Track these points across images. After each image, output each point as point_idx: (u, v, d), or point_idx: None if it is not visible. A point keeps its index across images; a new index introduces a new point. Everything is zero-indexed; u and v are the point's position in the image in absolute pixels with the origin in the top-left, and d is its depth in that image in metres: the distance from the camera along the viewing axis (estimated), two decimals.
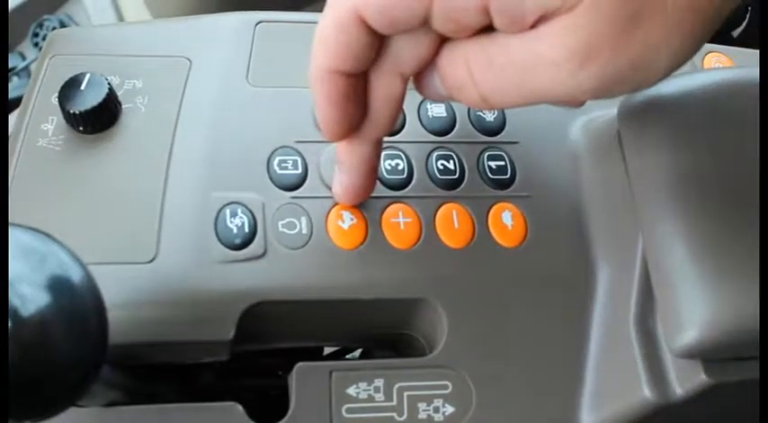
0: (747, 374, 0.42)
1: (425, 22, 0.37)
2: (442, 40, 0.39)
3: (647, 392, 0.42)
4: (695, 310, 0.39)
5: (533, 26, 0.35)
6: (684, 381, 0.42)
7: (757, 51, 0.57)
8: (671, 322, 0.41)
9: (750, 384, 0.42)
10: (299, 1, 0.84)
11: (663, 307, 0.42)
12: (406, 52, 0.39)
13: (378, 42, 0.39)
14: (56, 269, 0.32)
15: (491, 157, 0.48)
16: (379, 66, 0.40)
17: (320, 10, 0.40)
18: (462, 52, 0.38)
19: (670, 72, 0.36)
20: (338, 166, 0.45)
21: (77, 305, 0.32)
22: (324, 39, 0.39)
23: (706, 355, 0.41)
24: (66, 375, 0.32)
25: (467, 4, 0.35)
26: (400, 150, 0.47)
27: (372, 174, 0.45)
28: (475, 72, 0.38)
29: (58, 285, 0.32)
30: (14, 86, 0.80)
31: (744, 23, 0.70)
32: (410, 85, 0.41)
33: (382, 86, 0.40)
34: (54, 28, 0.83)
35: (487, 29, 0.37)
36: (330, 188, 0.46)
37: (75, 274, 0.33)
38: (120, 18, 0.84)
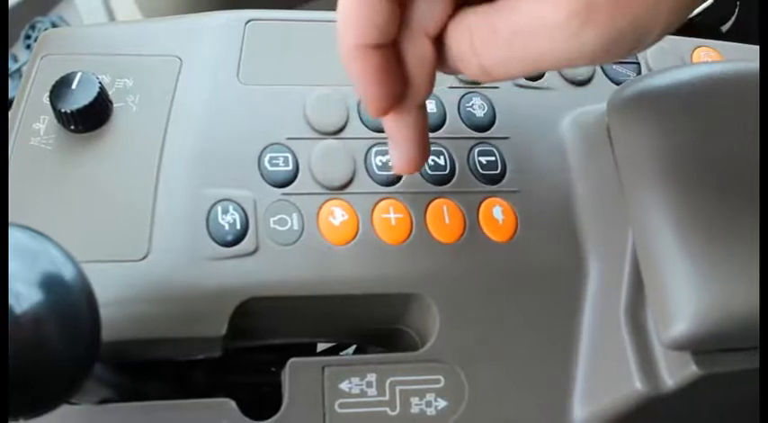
0: (737, 365, 0.42)
1: None
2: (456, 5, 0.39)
3: (638, 384, 0.42)
4: (685, 302, 0.40)
5: None
6: (675, 372, 0.42)
7: (745, 46, 0.58)
8: (661, 314, 0.41)
9: (740, 375, 0.42)
10: (292, 1, 0.84)
11: (653, 299, 0.42)
12: (428, 12, 0.39)
13: (398, 9, 0.39)
14: (49, 267, 0.32)
15: (481, 153, 0.48)
16: (405, 32, 0.40)
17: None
18: (466, 23, 0.38)
19: (667, 32, 0.36)
20: (390, 141, 0.45)
21: (70, 303, 0.32)
22: (346, 16, 0.39)
23: (696, 346, 0.41)
24: (58, 373, 0.32)
25: None
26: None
27: (424, 139, 0.45)
28: (477, 42, 0.38)
29: (51, 283, 0.32)
30: None
31: (732, 18, 0.71)
32: None
33: (413, 51, 0.40)
34: (46, 29, 0.83)
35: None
36: (321, 185, 0.46)
37: (68, 272, 0.33)
38: (112, 18, 0.84)
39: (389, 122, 0.44)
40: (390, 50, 0.40)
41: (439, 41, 0.40)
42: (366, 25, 0.39)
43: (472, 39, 0.38)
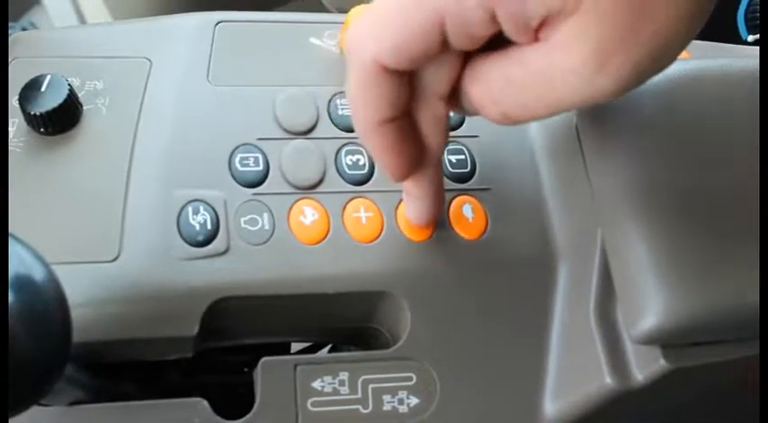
0: (706, 359, 0.42)
1: (443, 46, 0.37)
2: (465, 56, 0.39)
3: (608, 379, 0.43)
4: (653, 297, 0.40)
5: (540, 32, 0.35)
6: (644, 367, 0.42)
7: (713, 43, 0.58)
8: (630, 310, 0.41)
9: (709, 368, 0.43)
10: (266, 3, 0.84)
11: (622, 295, 0.42)
12: (438, 76, 0.39)
13: (407, 80, 0.39)
14: (18, 268, 0.32)
15: (451, 152, 0.48)
16: (418, 98, 0.40)
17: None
18: (482, 74, 0.38)
19: (683, 49, 0.36)
20: (407, 197, 0.46)
21: (40, 304, 0.32)
22: (357, 98, 0.39)
23: (665, 341, 0.41)
24: (29, 374, 0.32)
25: (475, 16, 0.35)
26: (360, 146, 0.48)
27: (441, 191, 0.45)
28: (495, 91, 0.38)
29: (21, 284, 0.32)
30: None
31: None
32: None
33: (427, 114, 0.41)
34: None
35: (502, 42, 0.37)
36: (292, 184, 0.46)
37: (38, 273, 0.33)
38: (83, 22, 0.84)
39: (408, 183, 0.44)
40: (405, 120, 0.40)
41: (453, 94, 0.40)
42: (378, 103, 0.39)
43: (490, 89, 0.38)
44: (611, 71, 0.34)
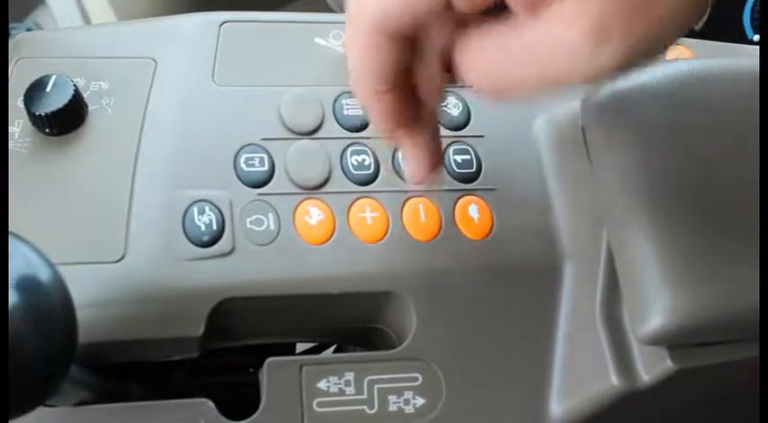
0: (712, 359, 0.42)
1: (447, 6, 0.36)
2: (460, 18, 0.38)
3: (614, 380, 0.43)
4: (659, 297, 0.40)
5: (541, 3, 0.35)
6: (651, 367, 0.42)
7: (717, 43, 0.58)
8: (636, 310, 0.41)
9: (716, 369, 0.43)
10: (270, 3, 0.84)
11: (628, 295, 0.42)
12: (438, 36, 0.39)
13: (408, 47, 0.39)
14: (24, 269, 0.32)
15: (457, 152, 0.48)
16: (418, 62, 0.40)
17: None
18: (475, 43, 0.38)
19: (679, 37, 0.36)
20: (405, 158, 0.46)
21: (46, 304, 0.32)
22: (359, 66, 0.39)
23: (671, 341, 0.41)
24: (34, 374, 0.32)
25: None
26: (366, 146, 0.48)
27: (438, 151, 0.45)
28: (486, 63, 0.37)
29: (27, 285, 0.32)
30: None
31: (705, 17, 0.71)
32: None
33: (424, 74, 0.40)
34: None
35: (499, 12, 0.37)
36: (297, 185, 0.46)
37: (44, 274, 0.33)
38: (87, 22, 0.84)
39: (404, 141, 0.44)
40: (405, 83, 0.40)
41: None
42: (380, 70, 0.39)
43: (481, 59, 0.38)
44: (611, 48, 0.34)
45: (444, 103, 0.50)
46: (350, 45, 0.39)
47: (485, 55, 0.37)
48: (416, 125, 0.43)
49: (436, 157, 0.45)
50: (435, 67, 0.40)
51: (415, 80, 0.41)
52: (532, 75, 0.36)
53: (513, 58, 0.36)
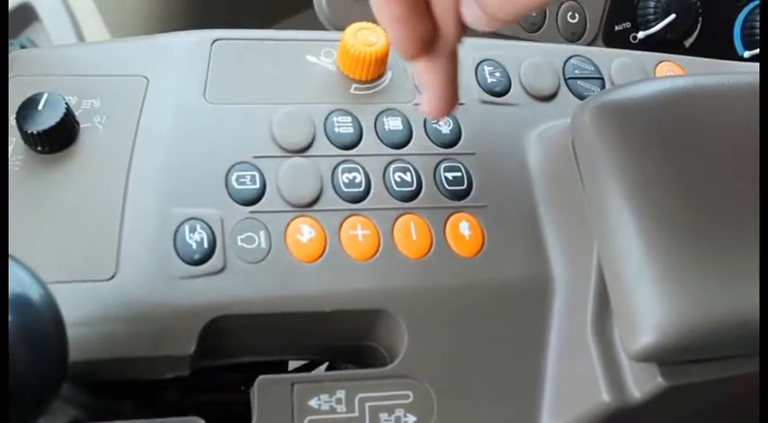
0: (704, 376, 0.42)
1: None
2: None
3: (605, 397, 0.43)
4: (650, 314, 0.40)
5: None
6: (642, 384, 0.42)
7: (708, 60, 0.58)
8: (627, 327, 0.41)
9: (707, 386, 0.43)
10: (263, 20, 0.84)
11: (619, 312, 0.42)
12: None
13: None
14: (15, 287, 0.32)
15: (447, 169, 0.48)
16: None
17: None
18: None
19: None
20: (420, 86, 0.46)
21: (37, 323, 0.32)
22: None
23: (662, 358, 0.41)
24: (26, 393, 0.32)
25: None
26: (357, 164, 0.48)
27: (453, 84, 0.45)
28: None
29: (17, 304, 0.32)
30: None
31: (695, 33, 0.72)
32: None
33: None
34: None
35: None
36: (288, 202, 0.46)
37: (35, 292, 0.33)
38: (81, 40, 0.84)
39: (420, 67, 0.44)
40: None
41: None
42: None
43: None
44: None
45: (435, 120, 0.50)
46: None
47: None
48: (433, 50, 0.43)
49: (451, 94, 0.46)
50: None
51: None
52: None
53: None
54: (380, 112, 0.50)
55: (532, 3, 0.39)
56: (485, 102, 0.51)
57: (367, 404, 0.43)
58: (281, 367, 0.53)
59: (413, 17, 0.41)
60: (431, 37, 0.42)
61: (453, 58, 0.45)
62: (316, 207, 0.46)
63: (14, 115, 0.45)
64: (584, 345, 0.44)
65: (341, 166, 0.48)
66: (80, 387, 0.42)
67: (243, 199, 0.46)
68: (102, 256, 0.43)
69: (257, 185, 0.46)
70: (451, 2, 0.41)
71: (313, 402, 0.43)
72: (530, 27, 0.69)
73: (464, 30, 0.43)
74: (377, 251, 0.46)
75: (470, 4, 0.40)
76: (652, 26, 0.70)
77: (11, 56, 0.50)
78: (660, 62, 0.56)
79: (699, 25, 0.71)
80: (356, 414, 0.43)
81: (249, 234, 0.45)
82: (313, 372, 0.56)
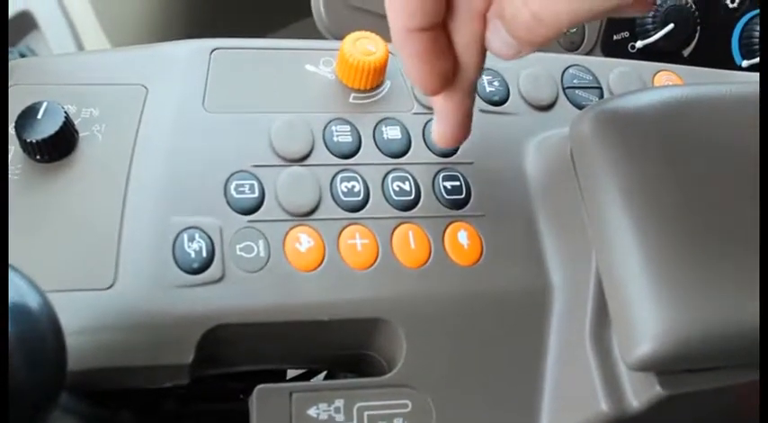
0: (702, 385, 0.42)
1: None
2: None
3: (603, 406, 0.43)
4: (648, 323, 0.40)
5: None
6: (640, 393, 0.42)
7: (706, 69, 0.58)
8: (625, 336, 0.41)
9: (705, 395, 0.43)
10: (262, 29, 0.85)
11: (617, 321, 0.42)
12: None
13: None
14: (13, 296, 0.32)
15: (446, 178, 0.49)
16: (452, 13, 0.41)
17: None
18: None
19: None
20: (436, 116, 0.47)
21: (35, 332, 0.32)
22: (394, 2, 0.40)
23: (660, 367, 0.41)
24: (24, 402, 0.32)
25: None
26: (356, 173, 0.48)
27: (468, 118, 0.46)
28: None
29: (15, 313, 0.32)
30: None
31: (693, 43, 0.72)
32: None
33: (462, 32, 0.41)
34: (15, 60, 0.83)
35: None
36: (287, 211, 0.46)
37: (33, 301, 0.33)
38: (81, 48, 0.84)
39: (438, 100, 0.45)
40: (439, 31, 0.41)
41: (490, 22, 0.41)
42: (412, 9, 0.40)
43: None
44: None
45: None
46: None
47: None
48: (453, 83, 0.43)
49: (466, 125, 0.46)
50: (473, 20, 0.41)
51: (452, 33, 0.41)
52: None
53: None
54: (379, 122, 0.50)
55: (564, 21, 0.38)
56: (483, 111, 0.52)
57: (365, 413, 0.43)
58: (279, 376, 0.53)
59: (434, 53, 0.41)
60: (451, 73, 0.43)
61: (471, 93, 0.45)
62: (314, 216, 0.46)
63: (14, 124, 0.45)
64: (582, 354, 0.44)
65: (340, 176, 0.48)
66: (79, 396, 0.42)
67: (242, 208, 0.46)
68: (100, 265, 0.43)
69: (256, 194, 0.46)
70: (474, 36, 0.41)
71: (312, 411, 0.43)
72: None
73: (483, 64, 0.43)
74: (375, 260, 0.46)
75: (498, 30, 0.40)
76: (650, 36, 0.70)
77: (10, 64, 0.50)
78: (658, 72, 0.57)
79: (697, 35, 0.72)
80: None
81: (248, 243, 0.45)
82: (311, 381, 0.56)
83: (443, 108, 0.45)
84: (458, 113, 0.45)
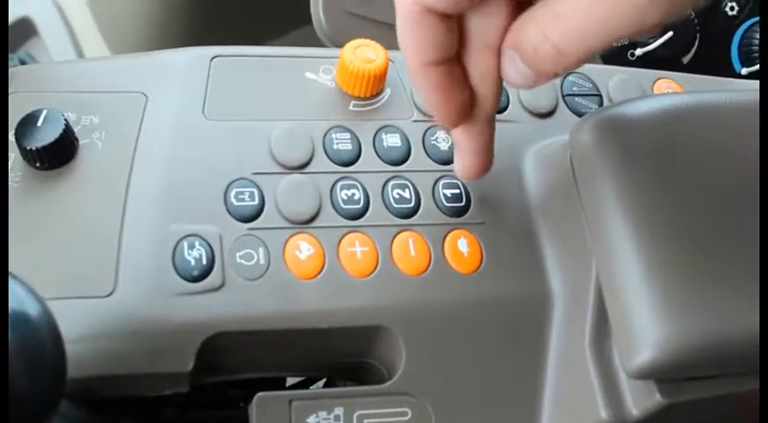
0: (702, 393, 0.42)
1: None
2: (514, 6, 0.39)
3: (603, 414, 0.43)
4: (648, 331, 0.40)
5: None
6: (640, 401, 0.42)
7: (706, 77, 0.58)
8: (625, 344, 0.41)
9: (705, 403, 0.43)
10: (262, 36, 0.85)
11: (617, 329, 0.42)
12: (486, 24, 0.40)
13: (454, 25, 0.40)
14: (13, 304, 0.32)
15: (446, 185, 0.49)
16: (466, 46, 0.41)
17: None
18: (529, 16, 0.38)
19: None
20: (456, 148, 0.47)
21: (35, 340, 0.32)
22: (403, 38, 0.40)
23: (660, 375, 0.42)
24: (24, 410, 0.32)
25: None
26: (356, 180, 0.48)
27: (489, 150, 0.46)
28: (544, 26, 0.38)
29: (16, 320, 0.32)
30: None
31: (693, 50, 0.72)
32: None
33: (477, 64, 0.41)
34: (15, 66, 0.83)
35: None
36: (287, 219, 0.46)
37: (33, 309, 0.33)
38: (81, 55, 0.84)
39: (457, 132, 0.45)
40: (454, 64, 0.41)
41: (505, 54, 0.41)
42: (423, 45, 0.40)
43: (538, 25, 0.38)
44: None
45: (433, 137, 0.50)
46: (397, 21, 0.40)
47: (537, 23, 0.38)
48: (472, 115, 0.43)
49: (488, 158, 0.46)
50: (487, 53, 0.41)
51: (467, 67, 0.42)
52: (583, 30, 0.37)
53: (561, 18, 0.37)
54: (379, 129, 0.50)
55: (586, 53, 0.38)
56: None
57: (365, 421, 0.43)
58: (279, 384, 0.53)
59: (450, 86, 0.41)
60: (468, 104, 0.43)
61: (490, 124, 0.45)
62: (314, 224, 0.46)
63: (13, 131, 0.45)
64: (582, 362, 0.44)
65: (340, 183, 0.48)
66: (78, 404, 0.42)
67: (242, 215, 0.46)
68: (100, 273, 0.43)
69: (256, 202, 0.46)
70: (489, 67, 0.41)
71: (311, 419, 0.43)
72: None
73: (500, 96, 0.43)
74: (375, 268, 0.46)
75: (513, 62, 0.40)
76: (650, 43, 0.70)
77: (10, 72, 0.50)
78: (658, 79, 0.57)
79: (696, 42, 0.72)
80: None
81: (248, 251, 0.45)
82: (311, 388, 0.56)
83: (464, 140, 0.46)
84: (478, 145, 0.46)
